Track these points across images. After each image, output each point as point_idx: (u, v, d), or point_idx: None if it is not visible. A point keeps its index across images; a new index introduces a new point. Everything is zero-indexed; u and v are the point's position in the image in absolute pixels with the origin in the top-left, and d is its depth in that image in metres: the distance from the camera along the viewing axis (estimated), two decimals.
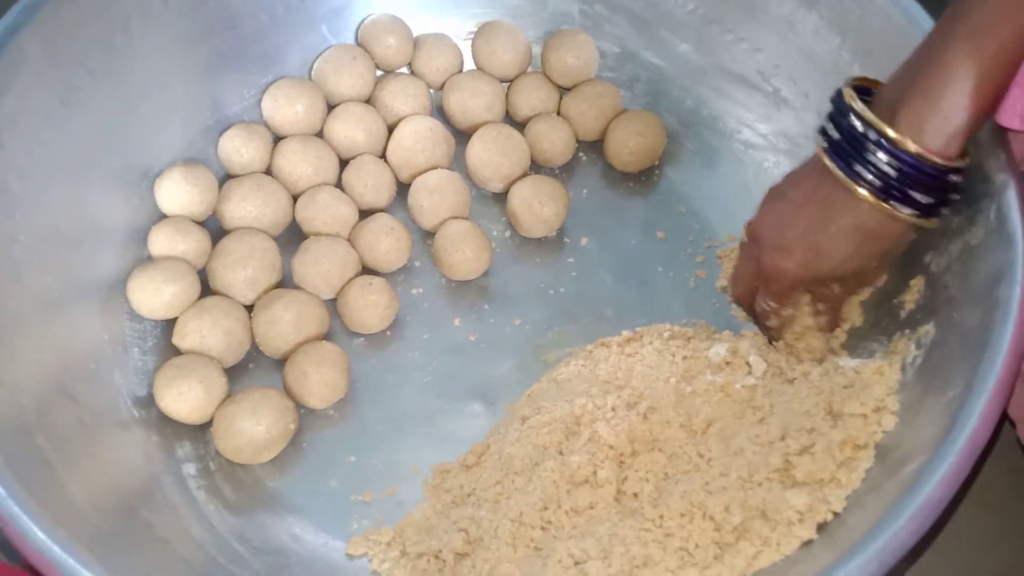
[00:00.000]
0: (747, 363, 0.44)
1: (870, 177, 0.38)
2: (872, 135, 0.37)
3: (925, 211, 0.38)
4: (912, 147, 0.36)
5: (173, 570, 0.40)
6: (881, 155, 0.37)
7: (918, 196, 0.37)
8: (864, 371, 0.41)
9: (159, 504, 0.43)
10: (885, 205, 0.38)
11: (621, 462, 0.41)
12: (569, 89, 0.61)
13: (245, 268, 0.50)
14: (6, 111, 0.44)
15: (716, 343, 0.46)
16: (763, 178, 0.57)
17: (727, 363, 0.45)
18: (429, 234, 0.56)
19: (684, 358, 0.45)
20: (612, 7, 0.60)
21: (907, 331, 0.42)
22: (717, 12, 0.56)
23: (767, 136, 0.57)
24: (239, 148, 0.54)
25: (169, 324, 0.50)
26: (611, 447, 0.41)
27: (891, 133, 0.37)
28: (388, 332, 0.53)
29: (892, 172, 0.37)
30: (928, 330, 0.41)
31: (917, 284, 0.43)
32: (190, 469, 0.46)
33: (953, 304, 0.40)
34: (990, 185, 0.40)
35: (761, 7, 0.54)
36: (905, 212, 0.38)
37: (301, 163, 0.55)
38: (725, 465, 0.39)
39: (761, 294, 0.44)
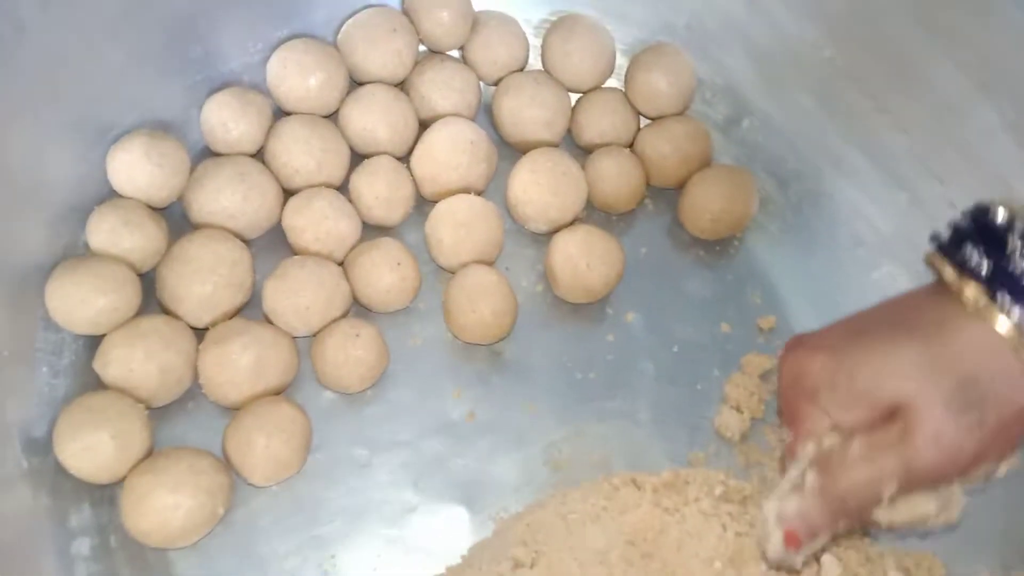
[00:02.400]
0: (816, 560, 0.34)
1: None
2: None
3: None
4: None
5: None
6: None
7: None
8: None
9: None
10: None
11: None
12: (651, 119, 0.49)
13: (204, 284, 0.39)
14: None
15: None
16: (868, 287, 0.45)
17: None
18: (443, 271, 0.45)
19: (737, 534, 0.35)
20: (728, 28, 0.47)
21: None
22: (861, 70, 0.44)
23: (886, 238, 0.45)
24: (227, 120, 0.43)
25: (95, 338, 0.39)
26: None
27: None
28: (368, 391, 0.42)
29: None
30: None
31: None
32: (83, 547, 0.36)
33: None
34: None
35: (922, 78, 0.41)
36: None
37: (302, 153, 0.43)
38: None
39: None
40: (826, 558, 0.34)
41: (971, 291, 0.31)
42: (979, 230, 0.32)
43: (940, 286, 0.33)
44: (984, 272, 0.31)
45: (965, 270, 0.31)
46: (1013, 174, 0.38)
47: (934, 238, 0.34)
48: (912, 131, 0.43)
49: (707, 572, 0.34)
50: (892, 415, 0.32)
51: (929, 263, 0.33)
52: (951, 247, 0.33)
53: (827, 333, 0.35)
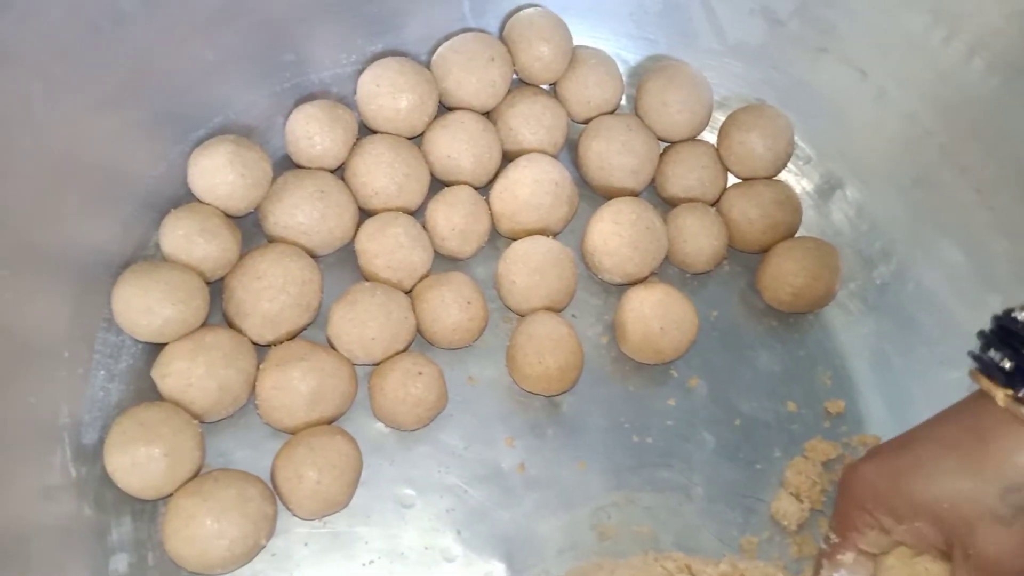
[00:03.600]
0: None
1: None
2: None
3: None
4: None
5: None
6: None
7: None
8: None
9: None
10: None
11: None
12: (742, 180, 0.47)
13: (272, 302, 0.38)
14: (12, 29, 0.31)
15: None
16: (942, 387, 0.41)
17: None
18: (508, 310, 0.44)
19: None
20: (835, 95, 0.45)
21: None
22: (970, 160, 0.42)
23: (970, 338, 0.41)
24: (313, 134, 0.41)
25: (154, 345, 0.38)
26: None
27: None
28: (420, 429, 0.41)
29: None
30: None
31: None
32: (120, 564, 0.35)
33: None
34: None
35: None
36: None
37: (384, 175, 0.42)
38: None
39: None
40: None
41: (1002, 395, 0.31)
42: (1003, 334, 0.32)
43: (981, 394, 0.33)
44: (1007, 373, 0.31)
45: (993, 374, 0.32)
46: None
47: (971, 352, 0.34)
48: (1015, 234, 0.41)
49: None
50: (940, 525, 0.32)
51: (970, 375, 0.33)
52: (982, 354, 0.33)
53: (881, 446, 0.36)
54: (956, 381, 0.43)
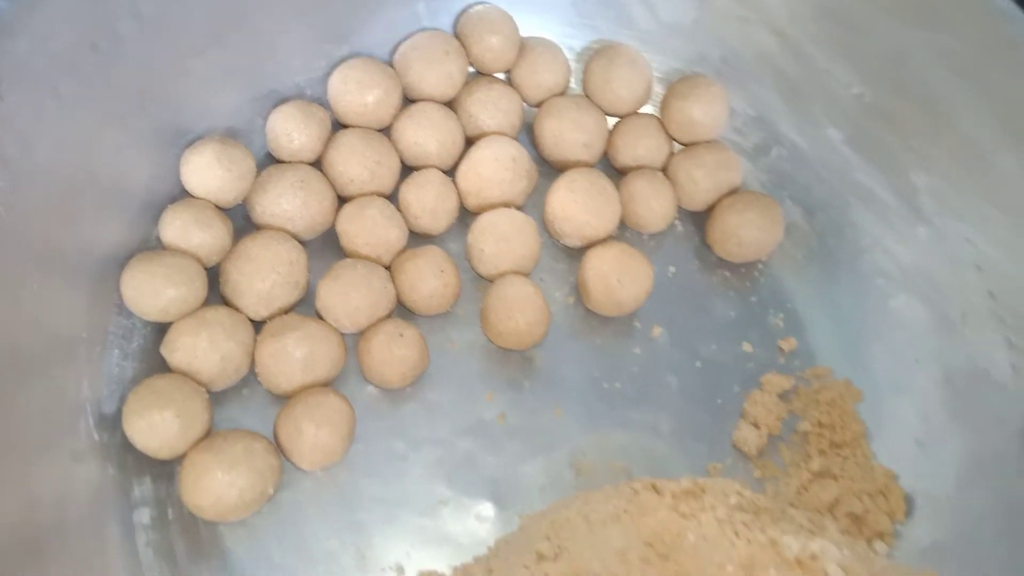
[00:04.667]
0: (825, 572, 0.36)
1: None
2: None
3: None
4: None
5: None
6: None
7: None
8: None
9: (89, 567, 0.35)
10: None
11: None
12: (685, 145, 0.51)
13: (264, 281, 0.43)
14: (17, 56, 0.35)
15: (790, 532, 0.37)
16: (886, 315, 0.47)
17: (799, 563, 0.36)
18: (481, 279, 0.48)
19: (749, 541, 0.37)
20: (763, 62, 0.50)
21: None
22: (889, 107, 0.46)
23: (906, 270, 0.47)
24: (291, 131, 0.46)
25: (162, 325, 0.43)
26: None
27: None
28: (408, 389, 0.45)
29: None
30: None
31: None
32: (143, 516, 0.39)
33: None
34: None
35: (949, 120, 0.43)
36: None
37: (357, 164, 0.46)
38: None
39: None
40: (832, 569, 0.36)
41: None
42: None
43: None
44: None
45: None
46: None
47: None
48: (936, 170, 0.45)
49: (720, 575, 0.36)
50: None
51: None
52: None
53: None
54: (896, 309, 0.47)
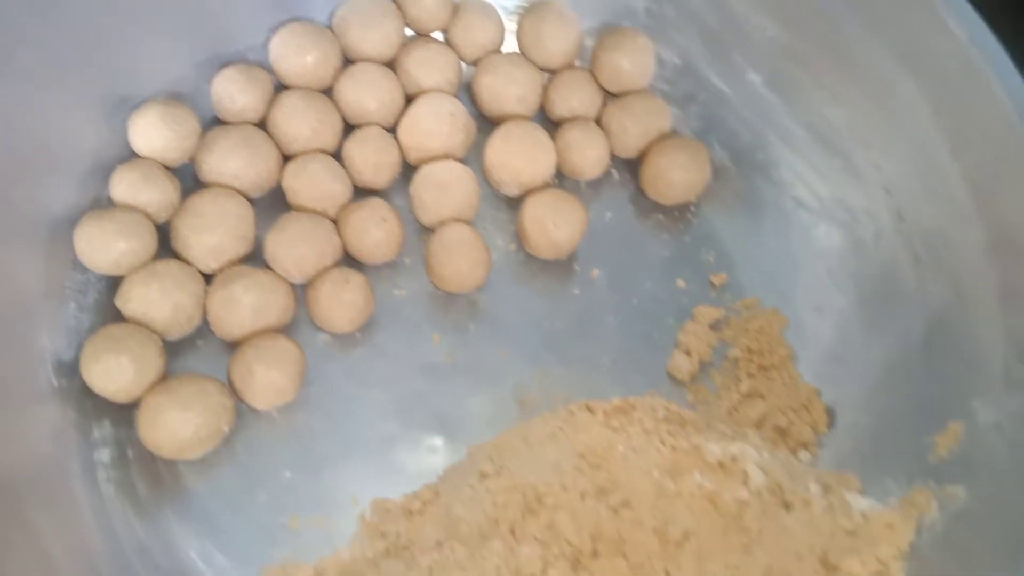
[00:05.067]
0: (744, 472, 0.39)
1: None
2: None
3: None
4: None
5: None
6: None
7: None
8: (873, 520, 0.35)
9: (56, 500, 0.38)
10: None
11: (578, 561, 0.36)
12: (615, 96, 0.54)
13: (212, 234, 0.45)
14: None
15: (713, 439, 0.40)
16: (809, 245, 0.50)
17: (721, 466, 0.39)
18: (426, 230, 0.50)
19: (673, 449, 0.40)
20: (684, 12, 0.52)
21: (931, 482, 0.37)
22: (801, 48, 0.48)
23: (824, 200, 0.50)
24: (233, 93, 0.48)
25: (116, 279, 0.44)
26: (569, 543, 0.36)
27: None
28: (357, 334, 0.47)
29: None
30: (957, 494, 0.35)
31: (956, 430, 0.37)
32: (104, 456, 0.41)
33: (996, 476, 0.34)
34: None
35: (852, 54, 0.46)
36: None
37: (300, 122, 0.49)
38: None
39: None
40: (751, 468, 0.39)
41: None
42: None
43: None
44: None
45: None
46: (928, 137, 0.43)
47: None
48: (845, 104, 0.47)
49: (647, 480, 0.39)
50: None
51: None
52: None
53: None
54: (817, 238, 0.50)
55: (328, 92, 0.51)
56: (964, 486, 0.35)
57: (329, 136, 0.50)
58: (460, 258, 0.47)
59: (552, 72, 0.54)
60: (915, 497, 0.36)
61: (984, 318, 0.39)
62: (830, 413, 0.45)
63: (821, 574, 0.34)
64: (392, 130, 0.51)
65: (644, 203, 0.53)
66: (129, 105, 0.46)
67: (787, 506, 0.38)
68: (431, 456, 0.45)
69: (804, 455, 0.43)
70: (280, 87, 0.51)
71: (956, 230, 0.42)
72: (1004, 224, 0.39)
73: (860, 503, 0.37)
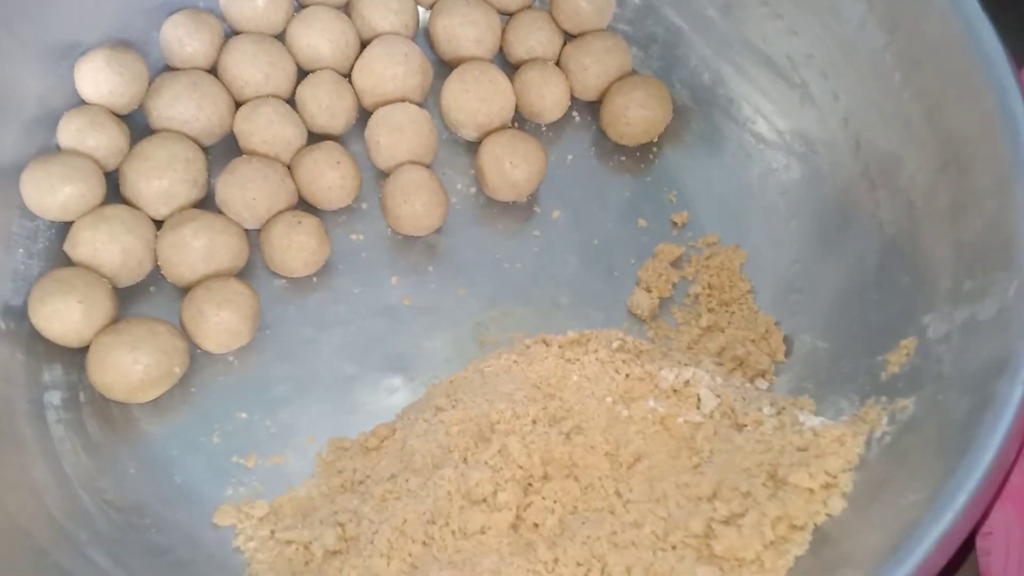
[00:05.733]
0: (697, 396, 0.39)
1: None
2: None
3: None
4: None
5: None
6: None
7: None
8: (823, 435, 0.35)
9: (2, 439, 0.37)
10: None
11: (529, 484, 0.36)
12: (575, 36, 0.53)
13: (161, 178, 0.44)
14: None
15: (667, 367, 0.40)
16: (769, 180, 0.50)
17: (675, 391, 0.39)
18: (384, 174, 0.50)
19: (627, 376, 0.40)
20: None
21: (883, 398, 0.36)
22: None
23: (783, 134, 0.49)
24: (182, 38, 0.47)
25: (65, 227, 0.44)
26: (520, 467, 0.36)
27: None
28: (314, 279, 0.47)
29: None
30: (906, 405, 0.35)
31: (907, 346, 0.37)
32: (54, 398, 0.41)
33: (941, 384, 0.34)
34: (1018, 255, 0.33)
35: None
36: None
37: (250, 67, 0.48)
38: (642, 513, 0.34)
39: None
40: (704, 392, 0.39)
41: None
42: None
43: None
44: None
45: None
46: (881, 60, 0.43)
47: None
48: (801, 32, 0.47)
49: (600, 407, 0.39)
50: None
51: None
52: None
53: None
54: (778, 172, 0.50)
55: (281, 37, 0.51)
56: (913, 398, 0.35)
57: (282, 81, 0.49)
58: (415, 199, 0.47)
59: (510, 14, 0.53)
60: (867, 413, 0.36)
61: (935, 236, 0.38)
62: (788, 342, 0.44)
63: (770, 488, 0.34)
64: (348, 76, 0.51)
65: (606, 144, 0.52)
66: (76, 52, 0.46)
67: (739, 427, 0.38)
68: (390, 396, 0.45)
69: (762, 383, 0.43)
70: (231, 33, 0.50)
71: (910, 152, 0.41)
72: (955, 142, 0.39)
73: (812, 421, 0.36)
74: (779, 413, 0.38)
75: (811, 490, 0.33)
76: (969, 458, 0.29)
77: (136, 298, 0.45)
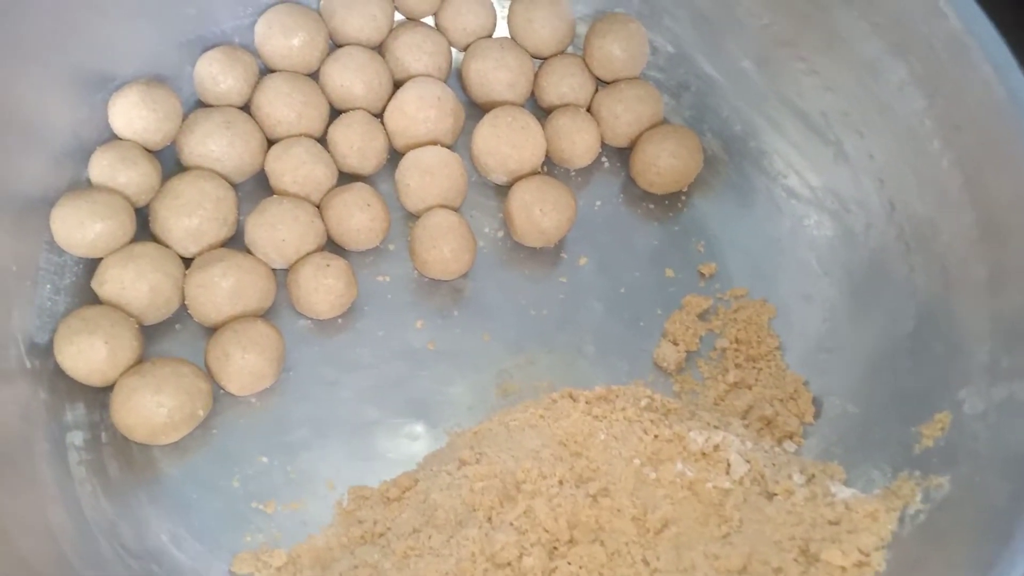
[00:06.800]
0: (727, 461, 0.38)
1: None
2: None
3: None
4: None
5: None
6: None
7: None
8: (856, 509, 0.35)
9: (21, 479, 0.37)
10: None
11: (555, 548, 0.36)
12: (607, 83, 0.53)
13: (191, 216, 0.44)
14: None
15: (696, 428, 0.39)
16: (799, 235, 0.49)
17: (704, 455, 0.38)
18: (412, 216, 0.50)
19: (655, 437, 0.39)
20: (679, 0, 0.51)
21: (917, 473, 0.36)
22: (793, 34, 0.48)
23: (815, 190, 0.49)
24: (216, 75, 0.47)
25: (93, 262, 0.44)
26: (546, 531, 0.35)
27: None
28: (339, 320, 0.47)
29: None
30: (941, 483, 0.34)
31: (942, 420, 0.36)
32: (76, 438, 0.40)
33: (979, 464, 0.33)
34: None
35: (844, 41, 0.45)
36: None
37: (284, 106, 0.48)
38: None
39: None
40: (734, 457, 0.38)
41: None
42: None
43: None
44: None
45: None
46: (920, 124, 0.42)
47: None
48: (837, 90, 0.47)
49: (628, 469, 0.38)
50: None
51: None
52: None
53: None
54: (809, 228, 0.49)
55: (314, 76, 0.51)
56: (948, 476, 0.34)
57: (315, 120, 0.49)
58: (443, 243, 0.46)
59: (543, 59, 0.53)
60: (899, 487, 0.36)
61: (972, 307, 0.38)
62: (817, 403, 0.44)
63: (802, 564, 0.33)
64: (380, 116, 0.51)
65: (634, 192, 0.52)
66: (110, 86, 0.46)
67: (769, 496, 0.37)
68: (411, 443, 0.44)
69: (790, 445, 0.42)
70: (266, 71, 0.50)
71: (947, 219, 0.41)
72: (994, 212, 0.38)
73: (843, 492, 0.36)
74: (809, 481, 0.37)
75: (843, 568, 0.33)
76: (1013, 547, 0.28)
77: (162, 336, 0.44)
